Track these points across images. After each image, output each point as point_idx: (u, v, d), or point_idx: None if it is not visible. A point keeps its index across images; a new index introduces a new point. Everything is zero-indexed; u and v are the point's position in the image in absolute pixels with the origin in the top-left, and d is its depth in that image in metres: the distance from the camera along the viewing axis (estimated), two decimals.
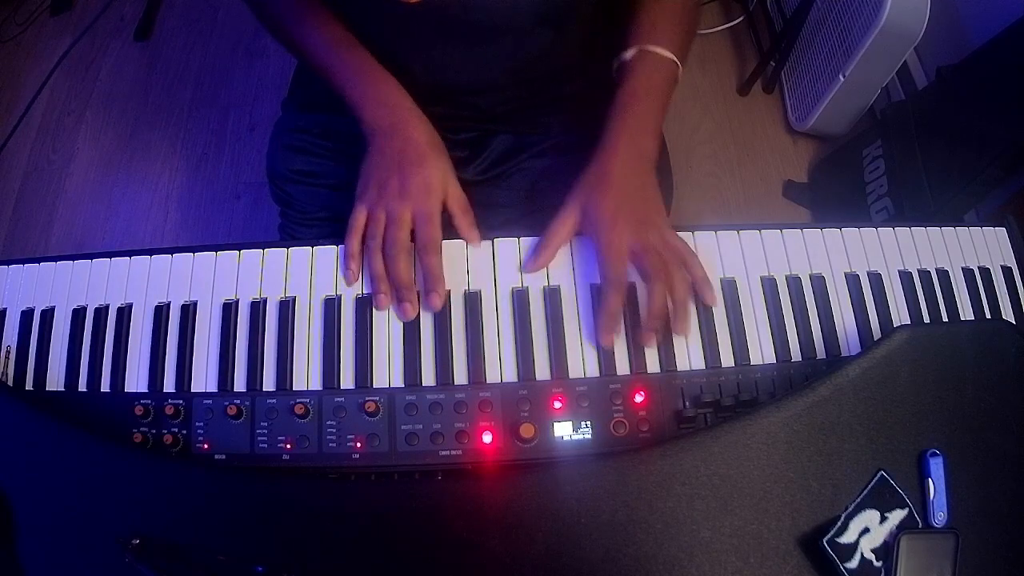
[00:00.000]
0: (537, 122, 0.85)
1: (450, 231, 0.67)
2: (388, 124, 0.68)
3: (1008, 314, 0.68)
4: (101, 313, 0.65)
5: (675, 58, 0.71)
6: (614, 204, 0.63)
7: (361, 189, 0.67)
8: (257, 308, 0.64)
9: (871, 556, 0.50)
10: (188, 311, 0.64)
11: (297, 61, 0.90)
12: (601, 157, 0.66)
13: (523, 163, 0.86)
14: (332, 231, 0.84)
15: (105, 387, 0.63)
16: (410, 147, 0.67)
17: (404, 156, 0.66)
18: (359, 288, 0.65)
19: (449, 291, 0.64)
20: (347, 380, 0.61)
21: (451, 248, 0.66)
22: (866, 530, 0.51)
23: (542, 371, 0.61)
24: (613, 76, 0.73)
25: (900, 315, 0.66)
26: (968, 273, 0.68)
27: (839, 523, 0.50)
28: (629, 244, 0.62)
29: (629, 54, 0.71)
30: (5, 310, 0.66)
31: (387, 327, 0.63)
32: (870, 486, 0.51)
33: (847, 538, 0.50)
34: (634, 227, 0.62)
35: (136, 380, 0.63)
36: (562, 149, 0.85)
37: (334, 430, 0.59)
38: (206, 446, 0.60)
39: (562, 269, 0.66)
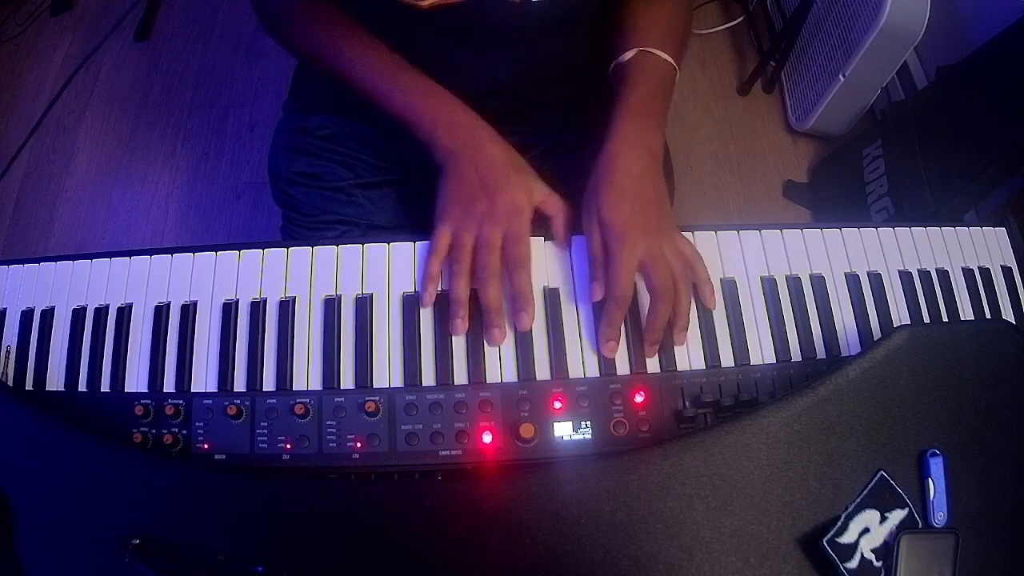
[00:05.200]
0: (541, 123, 0.85)
1: None
2: (465, 145, 0.67)
3: (1008, 314, 0.68)
4: (101, 313, 0.65)
5: (673, 62, 0.71)
6: (626, 213, 0.62)
7: (443, 211, 0.66)
8: (257, 308, 0.64)
9: (871, 556, 0.50)
10: (188, 311, 0.64)
11: (297, 61, 0.90)
12: (607, 158, 0.65)
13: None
14: (336, 234, 0.84)
15: (105, 387, 0.63)
16: (492, 167, 0.66)
17: (488, 177, 0.65)
18: (359, 288, 0.65)
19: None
20: (347, 380, 0.61)
21: None
22: (866, 530, 0.50)
23: (542, 371, 0.61)
24: (610, 79, 0.73)
25: (900, 315, 0.66)
26: (968, 273, 0.68)
27: (839, 523, 0.50)
28: (640, 257, 0.61)
29: (628, 56, 0.71)
30: (5, 310, 0.66)
31: (387, 327, 0.63)
32: (870, 486, 0.51)
33: (847, 538, 0.50)
34: (646, 238, 0.62)
35: (136, 380, 0.62)
36: (566, 149, 0.85)
37: (334, 430, 0.59)
38: (206, 446, 0.60)
39: (561, 269, 0.66)
